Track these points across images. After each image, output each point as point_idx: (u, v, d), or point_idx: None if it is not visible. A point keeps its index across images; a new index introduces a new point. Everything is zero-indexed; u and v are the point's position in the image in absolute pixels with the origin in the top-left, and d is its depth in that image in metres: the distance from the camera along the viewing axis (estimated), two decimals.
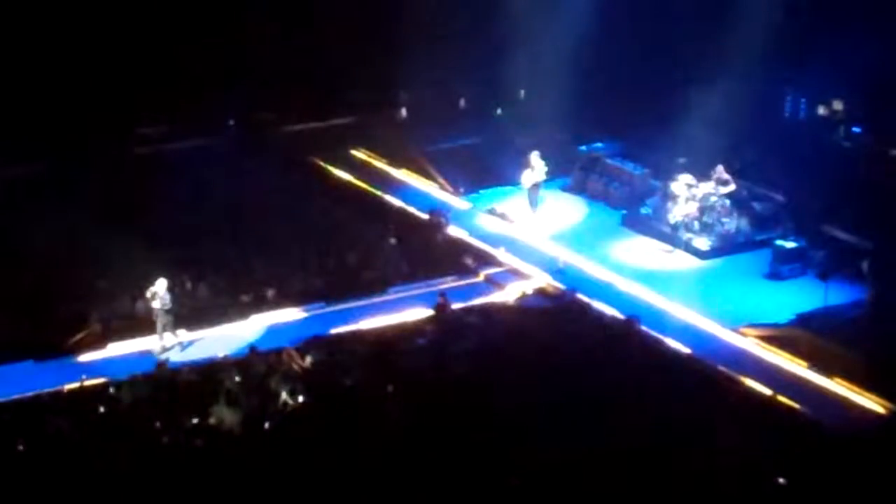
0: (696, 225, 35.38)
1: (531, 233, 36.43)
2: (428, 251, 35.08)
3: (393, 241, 34.91)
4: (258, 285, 32.60)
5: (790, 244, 33.93)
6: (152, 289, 30.10)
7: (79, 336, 30.26)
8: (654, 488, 24.03)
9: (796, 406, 27.49)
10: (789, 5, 36.92)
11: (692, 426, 25.90)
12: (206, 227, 35.12)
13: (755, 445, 25.24)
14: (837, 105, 37.92)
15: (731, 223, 35.50)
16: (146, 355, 29.91)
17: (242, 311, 31.63)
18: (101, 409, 26.85)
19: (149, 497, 23.68)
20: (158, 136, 40.53)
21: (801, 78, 38.37)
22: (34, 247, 33.18)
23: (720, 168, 35.56)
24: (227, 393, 26.72)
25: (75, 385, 27.87)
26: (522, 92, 43.14)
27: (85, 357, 29.83)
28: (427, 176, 39.96)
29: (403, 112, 43.94)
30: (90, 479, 24.14)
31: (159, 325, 30.19)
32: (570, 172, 39.64)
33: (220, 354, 29.31)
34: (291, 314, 31.89)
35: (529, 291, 33.19)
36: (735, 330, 30.82)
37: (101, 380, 28.08)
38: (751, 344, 30.30)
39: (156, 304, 30.09)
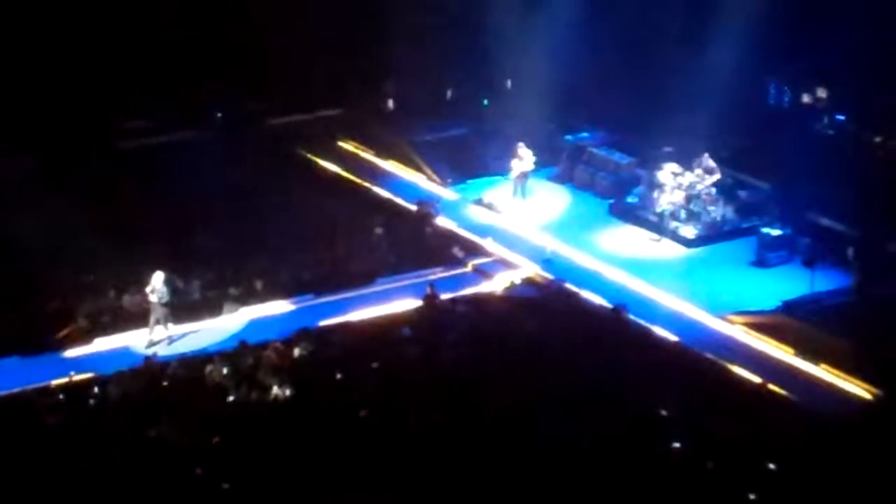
0: (683, 213, 35.46)
1: (519, 222, 36.47)
2: (416, 242, 35.12)
3: (378, 230, 34.94)
4: (247, 277, 32.62)
5: (776, 232, 34.05)
6: (150, 284, 30.10)
7: (65, 331, 30.27)
8: (642, 475, 24.11)
9: (783, 392, 27.59)
10: None
11: (679, 412, 26.01)
12: (194, 220, 35.10)
13: (743, 431, 25.33)
14: (821, 93, 38.00)
15: (717, 211, 35.59)
16: (133, 350, 29.93)
17: (231, 304, 31.63)
18: (90, 404, 26.91)
19: (138, 491, 23.73)
20: (145, 129, 40.43)
21: (785, 66, 38.41)
22: (20, 242, 33.18)
23: (706, 156, 35.65)
24: (214, 387, 26.80)
25: (63, 380, 27.89)
26: (509, 82, 43.12)
27: (72, 352, 29.86)
28: (414, 166, 39.98)
29: (390, 103, 43.91)
30: (79, 474, 24.18)
31: (153, 319, 30.20)
32: (557, 162, 39.68)
33: (209, 348, 29.35)
34: (280, 306, 31.94)
35: (517, 281, 33.26)
36: (722, 317, 30.91)
37: (88, 375, 28.12)
38: (738, 331, 30.40)
39: (153, 298, 30.09)
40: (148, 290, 30.23)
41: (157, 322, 30.27)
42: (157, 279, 30.16)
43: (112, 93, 39.02)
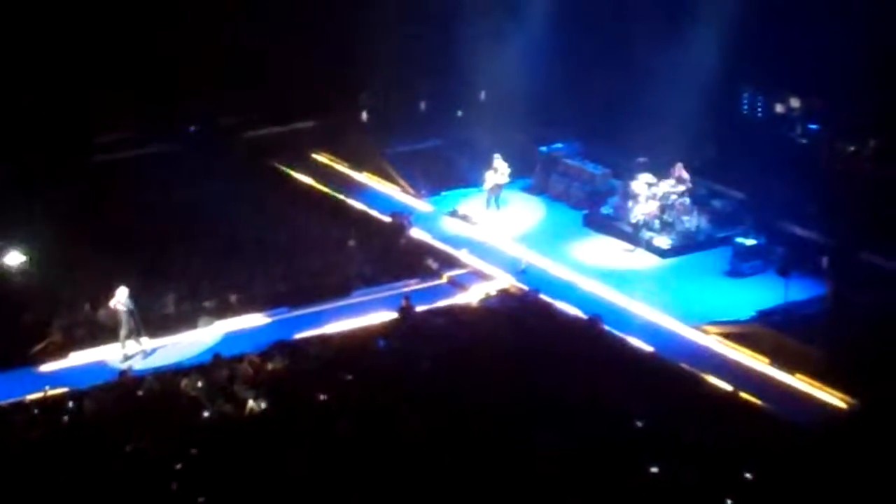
0: (657, 223, 35.55)
1: (493, 234, 36.52)
2: (391, 254, 35.14)
3: (351, 242, 34.92)
4: (222, 291, 32.57)
5: (750, 241, 34.14)
6: (114, 298, 30.04)
7: (41, 345, 30.16)
8: (617, 485, 24.16)
9: (758, 401, 27.68)
10: (746, 4, 37.04)
11: (656, 423, 26.06)
12: (169, 233, 35.02)
13: (718, 440, 25.40)
14: (794, 102, 38.18)
15: (692, 221, 35.70)
16: (108, 364, 29.85)
17: (206, 317, 31.58)
18: (65, 419, 26.83)
19: None
20: (120, 142, 40.39)
21: (758, 76, 38.58)
22: None
23: (679, 166, 35.79)
24: (190, 400, 26.76)
25: (38, 395, 27.78)
26: (483, 94, 43.21)
27: (47, 367, 29.74)
28: (389, 179, 40.02)
29: (365, 115, 43.96)
30: (54, 489, 24.10)
31: (123, 333, 30.13)
32: (531, 173, 39.75)
33: (184, 361, 29.29)
34: (255, 319, 31.90)
35: (493, 292, 33.28)
36: (697, 327, 30.99)
37: (63, 389, 28.03)
38: (713, 341, 30.48)
39: (121, 308, 30.02)
40: (112, 303, 30.15)
41: (129, 336, 30.19)
42: (122, 293, 30.09)
43: (88, 105, 38.91)
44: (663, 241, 35.35)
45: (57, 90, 38.56)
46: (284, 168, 40.66)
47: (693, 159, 36.49)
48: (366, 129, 43.35)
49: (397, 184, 39.76)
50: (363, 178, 40.37)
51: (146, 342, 30.45)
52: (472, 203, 38.37)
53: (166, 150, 40.32)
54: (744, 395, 27.88)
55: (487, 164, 37.65)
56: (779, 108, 38.67)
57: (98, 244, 33.26)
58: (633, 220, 35.65)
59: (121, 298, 30.04)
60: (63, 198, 36.17)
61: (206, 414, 26.77)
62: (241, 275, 33.47)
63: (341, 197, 38.72)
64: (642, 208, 35.53)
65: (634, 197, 35.72)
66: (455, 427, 25.84)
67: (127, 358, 30.07)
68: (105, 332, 30.71)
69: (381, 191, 39.59)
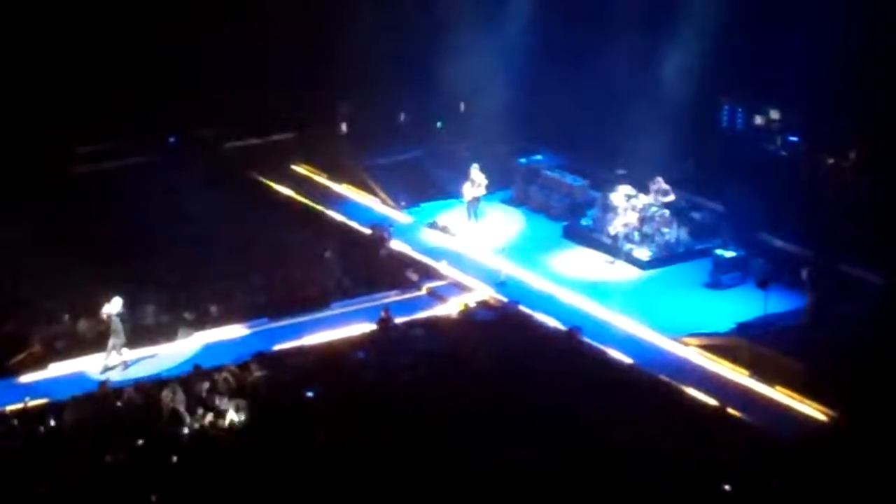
0: (637, 235, 35.58)
1: (473, 245, 36.54)
2: (370, 265, 35.12)
3: (327, 253, 34.87)
4: (201, 302, 32.51)
5: (729, 253, 34.18)
6: (107, 308, 29.95)
7: (20, 357, 30.07)
8: (597, 499, 24.17)
9: (738, 414, 27.70)
10: (725, 16, 37.15)
11: (635, 436, 26.08)
12: (148, 244, 34.94)
13: (698, 453, 25.43)
14: (774, 114, 38.29)
15: (671, 233, 35.73)
16: (88, 375, 29.76)
17: (186, 329, 31.51)
18: (45, 430, 26.74)
19: None
20: (99, 154, 40.31)
21: (737, 88, 38.69)
22: None
23: (659, 179, 35.84)
24: (169, 412, 26.70)
25: (18, 406, 27.69)
26: (462, 105, 43.25)
27: (26, 377, 29.64)
28: (368, 190, 40.03)
29: (344, 127, 43.95)
30: (34, 500, 24.02)
31: (111, 343, 30.03)
32: (511, 185, 39.79)
33: (163, 373, 29.23)
34: (235, 331, 31.84)
35: (472, 304, 33.27)
36: (676, 339, 31.01)
37: (43, 400, 27.92)
38: (692, 353, 30.51)
39: (115, 318, 29.91)
40: (104, 313, 30.04)
41: (114, 346, 30.11)
42: (117, 303, 30.02)
43: (66, 118, 38.83)
44: (643, 253, 35.39)
45: (36, 101, 38.45)
46: (264, 179, 40.61)
47: (672, 171, 36.54)
48: (345, 141, 43.33)
49: (377, 195, 39.76)
50: (343, 189, 40.36)
51: (126, 353, 30.37)
52: (451, 214, 38.38)
53: (145, 162, 40.23)
54: (723, 407, 27.88)
55: (467, 176, 37.69)
56: (758, 120, 38.74)
57: (78, 255, 33.17)
58: (613, 232, 35.70)
59: (115, 308, 29.95)
60: (43, 208, 36.09)
61: (185, 425, 26.71)
62: (221, 286, 33.42)
63: (321, 208, 38.69)
64: (622, 220, 35.57)
65: (614, 209, 35.77)
66: (433, 439, 25.84)
67: (107, 369, 29.99)
68: (85, 343, 30.64)
69: (360, 202, 39.58)
